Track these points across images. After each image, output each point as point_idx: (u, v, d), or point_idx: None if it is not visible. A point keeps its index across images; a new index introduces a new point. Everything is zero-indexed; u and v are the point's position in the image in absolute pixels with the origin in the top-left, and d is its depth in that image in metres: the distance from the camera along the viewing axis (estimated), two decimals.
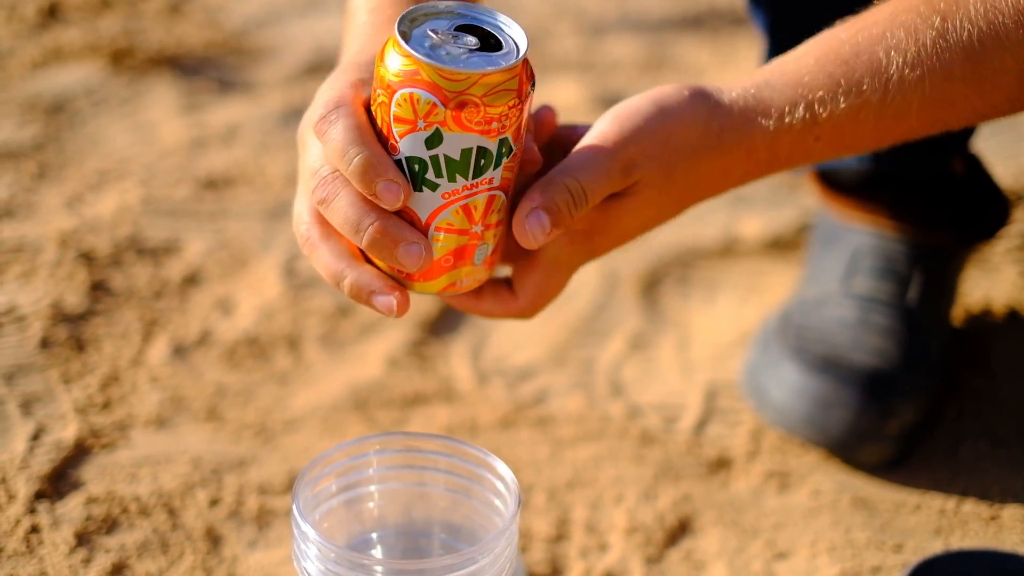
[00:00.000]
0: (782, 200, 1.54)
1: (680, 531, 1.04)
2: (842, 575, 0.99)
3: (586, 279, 1.37)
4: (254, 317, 1.24)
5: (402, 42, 0.73)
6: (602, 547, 1.01)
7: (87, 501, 1.01)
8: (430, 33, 0.74)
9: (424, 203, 0.75)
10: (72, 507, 1.00)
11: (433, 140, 0.74)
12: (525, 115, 0.76)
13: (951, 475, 1.11)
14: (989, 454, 1.13)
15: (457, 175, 0.75)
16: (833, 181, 1.22)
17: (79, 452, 1.06)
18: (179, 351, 1.19)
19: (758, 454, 1.12)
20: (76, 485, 1.03)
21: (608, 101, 1.78)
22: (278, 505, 1.03)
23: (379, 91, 0.74)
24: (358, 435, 1.08)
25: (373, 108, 0.75)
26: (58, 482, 1.03)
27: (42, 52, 1.71)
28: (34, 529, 0.98)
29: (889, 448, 1.11)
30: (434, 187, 0.75)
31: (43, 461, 1.04)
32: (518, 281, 0.85)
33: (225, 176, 1.46)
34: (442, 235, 0.76)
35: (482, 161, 0.75)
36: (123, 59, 1.71)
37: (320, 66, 1.71)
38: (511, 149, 0.76)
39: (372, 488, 0.86)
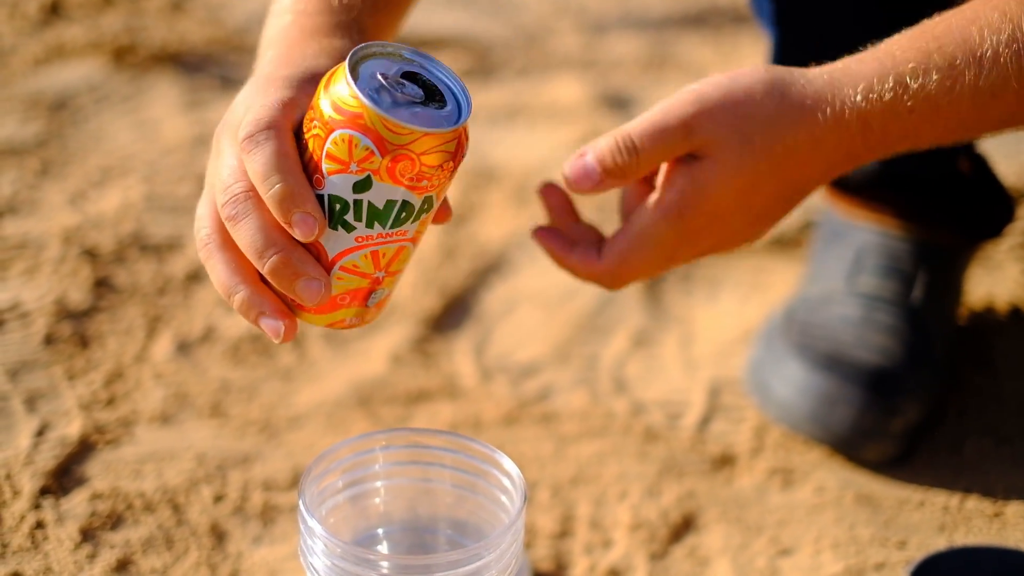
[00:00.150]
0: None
1: (684, 528, 1.04)
2: (846, 572, 1.00)
3: None
4: None
5: (351, 82, 0.71)
6: (606, 543, 1.02)
7: (92, 497, 1.01)
8: (379, 76, 0.73)
9: (335, 241, 0.74)
10: (77, 503, 1.01)
11: (362, 185, 0.72)
12: (454, 175, 0.75)
13: (955, 472, 1.11)
14: (993, 451, 1.13)
15: (376, 223, 0.74)
16: (840, 181, 1.22)
17: (83, 448, 1.06)
18: (183, 347, 1.20)
19: (762, 451, 1.12)
20: (81, 481, 1.03)
21: (610, 99, 1.78)
22: (283, 501, 1.03)
23: (316, 122, 0.73)
24: (362, 432, 1.08)
25: (305, 135, 0.74)
26: (63, 478, 1.03)
27: (44, 49, 1.71)
28: (39, 525, 0.98)
29: (892, 446, 1.11)
30: (350, 229, 0.74)
31: (48, 457, 1.04)
32: (606, 244, 0.86)
33: None
34: (345, 275, 0.75)
35: (403, 214, 0.74)
36: (125, 56, 1.71)
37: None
38: (432, 205, 0.75)
39: (378, 484, 0.86)
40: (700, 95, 0.82)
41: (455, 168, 0.75)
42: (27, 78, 1.65)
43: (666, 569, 0.99)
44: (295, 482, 1.05)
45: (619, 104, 1.78)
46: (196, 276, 1.28)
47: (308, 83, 0.76)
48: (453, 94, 0.75)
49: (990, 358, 1.24)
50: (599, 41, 1.96)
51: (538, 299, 1.33)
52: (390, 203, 0.73)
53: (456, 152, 0.74)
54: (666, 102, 0.83)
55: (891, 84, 0.81)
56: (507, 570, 0.79)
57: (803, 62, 1.18)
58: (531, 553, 0.99)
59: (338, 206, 0.73)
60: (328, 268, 0.75)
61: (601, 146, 0.83)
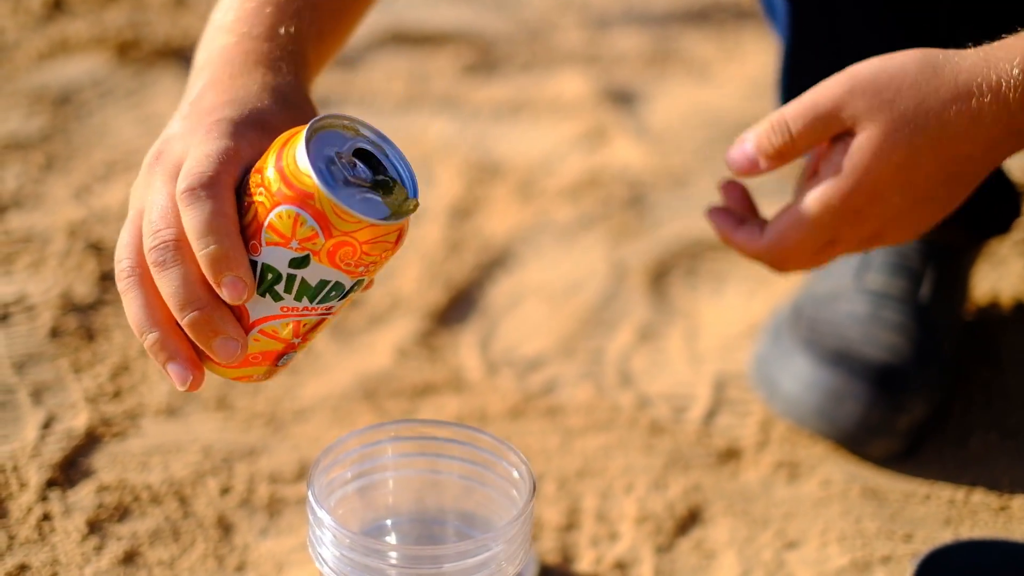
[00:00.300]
0: (790, 193, 1.54)
1: (690, 520, 1.04)
2: (852, 564, 1.00)
3: (594, 269, 1.37)
4: None
5: (307, 160, 0.70)
6: (612, 536, 1.02)
7: (98, 489, 1.01)
8: (333, 153, 0.72)
9: (260, 307, 0.73)
10: (84, 495, 1.01)
11: (299, 263, 0.72)
12: (390, 260, 0.75)
13: (960, 466, 1.11)
14: (998, 445, 1.13)
15: (304, 297, 0.73)
16: None
17: (90, 441, 1.06)
18: None
19: (767, 444, 1.12)
20: (87, 473, 1.03)
21: (613, 94, 1.78)
22: (289, 494, 1.03)
23: (263, 189, 0.71)
24: (368, 425, 1.08)
25: (248, 196, 0.72)
26: (69, 470, 1.03)
27: (48, 44, 1.71)
28: (46, 517, 0.98)
29: (898, 443, 1.11)
30: (277, 299, 0.73)
31: (54, 450, 1.04)
32: (770, 222, 0.88)
33: None
34: (263, 338, 0.74)
35: (333, 293, 0.73)
36: (129, 51, 1.71)
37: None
38: (363, 285, 0.75)
39: (386, 475, 0.86)
40: (852, 74, 0.84)
41: (394, 254, 0.74)
42: (31, 73, 1.65)
43: (672, 562, 0.99)
44: (301, 475, 1.05)
45: (622, 99, 1.78)
46: None
47: (252, 129, 0.75)
48: (402, 181, 0.74)
49: (996, 353, 1.24)
50: (602, 36, 1.96)
51: (543, 293, 1.33)
52: (323, 282, 0.72)
53: (397, 240, 0.73)
54: (820, 84, 0.85)
55: None
56: (515, 561, 0.79)
57: (813, 64, 1.18)
58: (537, 546, 1.00)
59: (270, 275, 0.72)
60: (247, 329, 0.74)
61: (758, 129, 0.86)
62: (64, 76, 1.65)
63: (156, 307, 0.73)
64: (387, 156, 0.75)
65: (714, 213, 0.93)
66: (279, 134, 0.75)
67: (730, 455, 1.11)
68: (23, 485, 1.01)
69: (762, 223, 0.90)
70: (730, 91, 1.85)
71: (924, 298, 1.17)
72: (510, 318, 1.28)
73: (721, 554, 1.00)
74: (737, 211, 0.93)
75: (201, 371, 0.74)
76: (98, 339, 1.17)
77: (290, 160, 0.71)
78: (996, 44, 0.84)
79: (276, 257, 0.72)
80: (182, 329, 0.73)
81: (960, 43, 1.17)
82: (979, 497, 1.07)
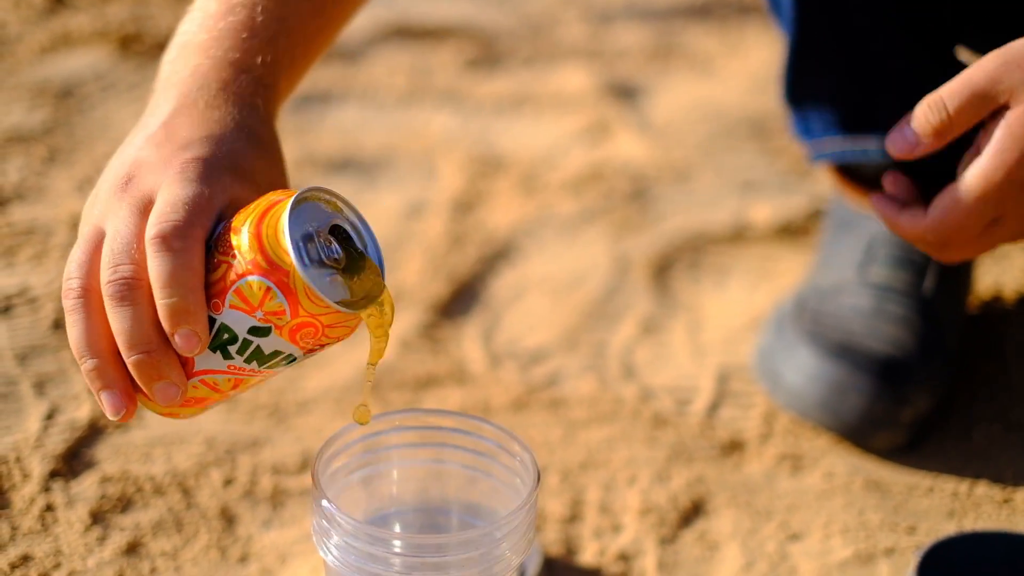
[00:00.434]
0: (792, 187, 1.54)
1: (694, 512, 1.04)
2: (856, 556, 1.00)
3: (597, 262, 1.37)
4: None
5: (288, 239, 0.69)
6: (616, 528, 1.01)
7: (101, 480, 1.01)
8: (313, 233, 0.71)
9: (208, 360, 0.73)
10: (87, 486, 1.00)
11: (259, 332, 0.71)
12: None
13: (964, 459, 1.11)
14: (1002, 438, 1.13)
15: (254, 361, 0.73)
16: (852, 171, 1.22)
17: (93, 432, 1.06)
18: None
19: (771, 437, 1.12)
20: (90, 465, 1.03)
21: (616, 88, 1.78)
22: (292, 485, 1.03)
23: (236, 253, 0.70)
24: (371, 416, 1.08)
25: (220, 253, 0.71)
26: (72, 461, 1.03)
27: (51, 38, 1.71)
28: (49, 508, 0.98)
29: (902, 435, 1.11)
30: (227, 357, 0.72)
31: (57, 441, 1.04)
32: (934, 202, 0.89)
33: None
34: (202, 387, 0.74)
35: (283, 362, 0.73)
36: (131, 44, 1.71)
37: (328, 50, 1.71)
38: (312, 356, 0.75)
39: (390, 466, 0.86)
40: (1005, 50, 0.85)
41: (350, 335, 0.74)
42: (33, 66, 1.65)
43: (676, 553, 0.99)
44: (304, 466, 1.05)
45: (625, 94, 1.78)
46: None
47: (226, 173, 0.74)
48: (378, 263, 0.74)
49: (999, 347, 1.24)
50: (605, 31, 1.96)
51: (546, 286, 1.33)
52: (277, 352, 0.72)
53: (357, 325, 0.73)
54: (975, 62, 0.86)
55: None
56: (520, 550, 0.79)
57: (818, 60, 1.18)
58: (541, 537, 0.99)
59: (226, 335, 0.71)
60: (189, 376, 0.73)
61: (915, 111, 0.87)
62: (66, 69, 1.65)
63: (100, 334, 0.72)
64: (360, 236, 0.74)
65: (877, 200, 0.94)
66: (251, 180, 0.74)
67: (733, 447, 1.11)
68: (26, 476, 1.01)
69: (926, 208, 0.91)
70: (732, 86, 1.85)
71: (928, 291, 1.17)
72: (513, 311, 1.28)
73: (724, 546, 1.00)
74: (901, 198, 0.93)
75: (135, 404, 0.74)
76: None
77: (270, 232, 0.70)
78: None
79: (237, 321, 0.71)
80: (122, 360, 0.72)
81: (965, 41, 1.18)
82: (982, 490, 1.07)
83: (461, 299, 1.28)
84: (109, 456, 1.04)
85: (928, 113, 0.87)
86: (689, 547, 1.00)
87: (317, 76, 1.79)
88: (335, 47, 1.76)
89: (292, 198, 0.70)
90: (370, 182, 1.53)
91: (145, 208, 0.72)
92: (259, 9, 0.83)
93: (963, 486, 1.08)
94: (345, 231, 0.73)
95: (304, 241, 0.71)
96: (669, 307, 1.30)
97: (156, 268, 0.70)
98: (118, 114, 1.59)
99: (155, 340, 0.71)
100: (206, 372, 0.73)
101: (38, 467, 1.01)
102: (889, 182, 0.95)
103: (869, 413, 1.09)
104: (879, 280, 1.17)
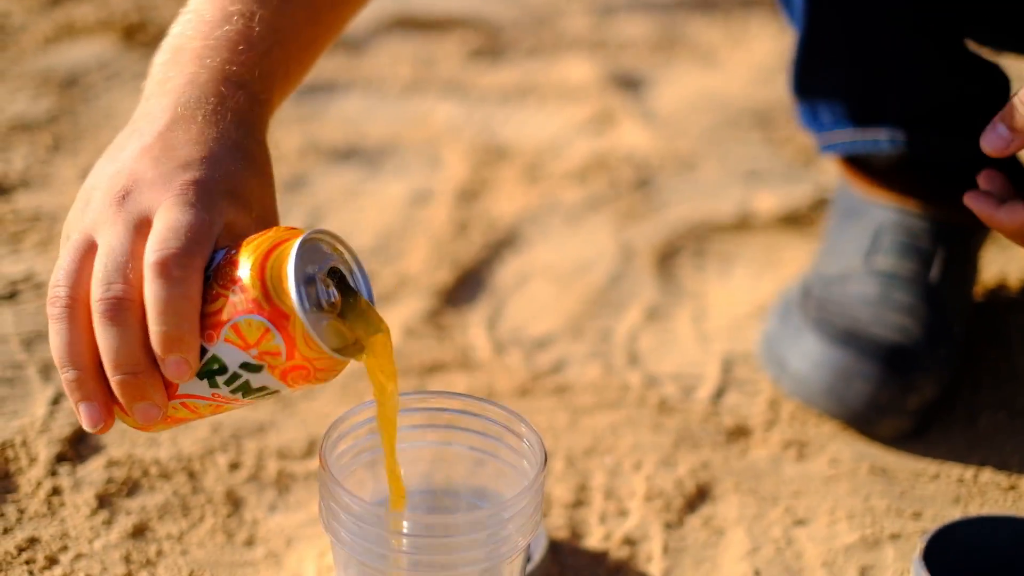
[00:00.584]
0: (797, 175, 1.54)
1: (699, 498, 1.04)
2: (862, 541, 1.00)
3: (602, 251, 1.37)
4: None
5: (293, 285, 0.69)
6: (621, 513, 1.01)
7: (108, 464, 1.01)
8: (314, 275, 0.71)
9: (193, 386, 0.72)
10: (93, 470, 1.01)
11: (251, 368, 0.71)
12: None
13: (969, 446, 1.11)
14: (1007, 425, 1.13)
15: (240, 392, 0.73)
16: (861, 162, 1.22)
17: None
18: None
19: (776, 423, 1.12)
20: (96, 449, 1.03)
21: (619, 79, 1.78)
22: (297, 469, 1.03)
23: (237, 289, 0.70)
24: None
25: (219, 286, 0.71)
26: (78, 445, 1.03)
27: (55, 27, 1.71)
28: (55, 491, 0.98)
29: (907, 422, 1.11)
30: (213, 385, 0.72)
31: (63, 425, 1.04)
32: None
33: None
34: (182, 409, 0.74)
35: (268, 396, 0.73)
36: (135, 34, 1.72)
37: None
38: (293, 392, 0.75)
39: (397, 448, 0.86)
40: None
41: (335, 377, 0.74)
42: (38, 56, 1.65)
43: (682, 538, 0.99)
44: (310, 451, 1.05)
45: (629, 84, 1.78)
46: None
47: (224, 198, 0.74)
48: (370, 304, 0.74)
49: (1004, 334, 1.24)
50: (608, 22, 1.96)
51: (551, 273, 1.33)
52: (264, 388, 0.72)
53: (345, 367, 0.73)
54: None
55: None
56: (526, 532, 0.79)
57: (827, 53, 1.18)
58: (547, 522, 0.99)
59: (216, 366, 0.71)
60: (170, 397, 0.73)
61: (1007, 108, 0.87)
62: (71, 59, 1.65)
63: (83, 346, 0.71)
64: (356, 279, 0.74)
65: (973, 197, 0.94)
66: (246, 204, 0.74)
67: (739, 434, 1.11)
68: (32, 460, 1.01)
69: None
70: (736, 77, 1.85)
71: (934, 279, 1.17)
72: (518, 298, 1.28)
73: (730, 531, 1.00)
74: (996, 194, 0.94)
75: (113, 418, 0.73)
76: None
77: (274, 274, 0.69)
78: None
79: (230, 355, 0.71)
80: (103, 373, 0.72)
81: (974, 33, 1.18)
82: (988, 476, 1.07)
83: (466, 287, 1.28)
84: (115, 440, 1.04)
85: (1017, 109, 0.87)
86: (695, 532, 1.00)
87: (322, 66, 1.79)
88: (340, 37, 1.76)
89: (298, 241, 0.70)
90: (375, 171, 1.53)
91: (140, 226, 0.72)
92: (256, 19, 0.82)
93: (968, 472, 1.08)
94: (340, 272, 0.73)
95: (306, 285, 0.70)
96: (674, 295, 1.30)
97: (154, 294, 0.69)
98: (122, 103, 1.59)
99: (143, 362, 0.71)
100: (189, 396, 0.73)
101: (44, 451, 1.01)
102: (984, 179, 0.95)
103: (875, 400, 1.09)
104: (885, 268, 1.17)
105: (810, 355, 1.12)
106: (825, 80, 1.20)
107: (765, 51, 1.90)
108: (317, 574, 0.93)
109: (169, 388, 0.72)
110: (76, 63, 1.64)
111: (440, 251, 1.34)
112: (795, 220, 1.44)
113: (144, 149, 0.75)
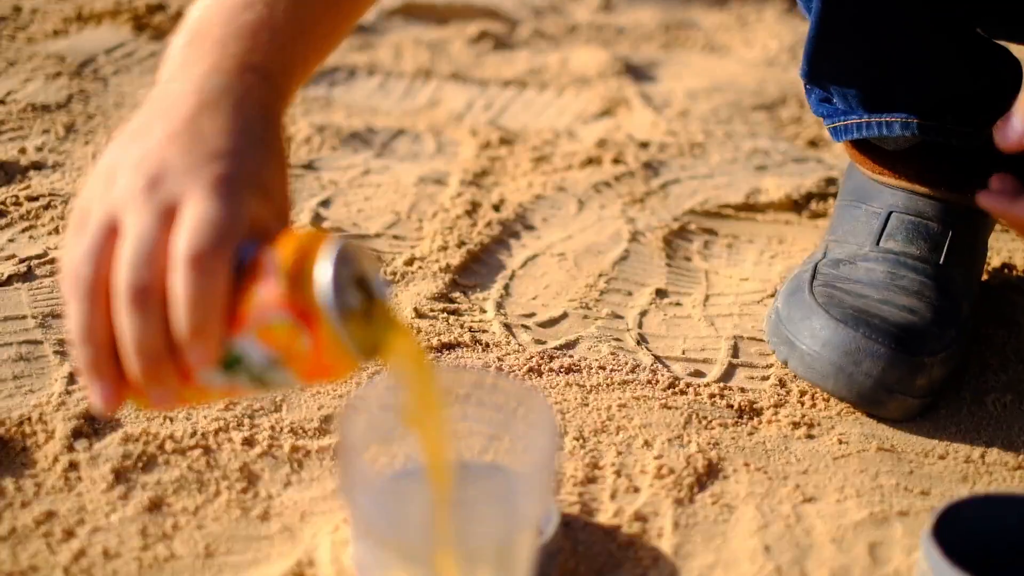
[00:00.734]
0: (805, 160, 1.55)
1: (709, 475, 1.04)
2: (871, 518, 1.00)
3: (611, 234, 1.38)
4: None
5: (330, 292, 0.70)
6: (632, 490, 1.02)
7: (124, 440, 1.02)
8: (345, 284, 0.72)
9: (211, 375, 0.73)
10: (109, 445, 1.01)
11: (273, 365, 0.72)
12: None
13: (977, 426, 1.12)
14: (1014, 407, 1.14)
15: (252, 382, 0.73)
16: (871, 146, 1.23)
17: None
18: None
19: (785, 403, 1.13)
20: (113, 425, 1.04)
21: (629, 65, 1.78)
22: (311, 446, 1.04)
23: (267, 286, 0.70)
24: (387, 381, 1.09)
25: (248, 280, 0.71)
26: (95, 422, 1.04)
27: (70, 12, 1.72)
28: (72, 466, 0.99)
29: (915, 403, 1.12)
30: (230, 376, 0.73)
31: (79, 401, 1.05)
32: None
33: None
34: (195, 393, 0.75)
35: (280, 388, 0.74)
36: (149, 20, 1.72)
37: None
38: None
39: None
40: None
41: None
42: (52, 41, 1.66)
43: (692, 515, 1.00)
44: (323, 428, 1.06)
45: (638, 70, 1.78)
46: None
47: (252, 194, 0.74)
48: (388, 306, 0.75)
49: (1012, 316, 1.25)
50: (617, 10, 1.97)
51: (560, 257, 1.34)
52: (280, 382, 0.73)
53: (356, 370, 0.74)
54: None
55: None
56: (540, 504, 0.80)
57: (841, 39, 1.18)
58: (558, 499, 1.00)
59: (237, 359, 0.72)
60: (185, 379, 0.73)
61: (1018, 103, 0.88)
62: (84, 44, 1.66)
63: (102, 326, 0.72)
64: (376, 285, 0.75)
65: (986, 196, 0.96)
66: (270, 197, 0.75)
67: (748, 413, 1.12)
68: (49, 435, 1.02)
69: None
70: (745, 63, 1.86)
71: (943, 261, 1.18)
72: (527, 280, 1.29)
73: (740, 507, 1.01)
74: (1009, 191, 0.96)
75: (123, 399, 0.74)
76: None
77: (307, 275, 0.70)
78: None
79: (253, 350, 0.71)
80: (117, 354, 0.72)
81: (983, 22, 1.18)
82: (995, 456, 1.08)
83: (476, 269, 1.29)
84: (131, 417, 1.05)
85: None
86: (705, 508, 1.01)
87: (334, 54, 1.79)
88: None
89: (334, 245, 0.71)
90: (385, 155, 1.54)
91: (169, 214, 0.72)
92: (280, 8, 0.83)
93: (976, 452, 1.08)
94: (363, 278, 0.74)
95: (340, 284, 0.71)
96: (683, 277, 1.31)
97: (183, 287, 0.70)
98: (134, 87, 1.60)
99: (162, 349, 0.71)
100: (204, 383, 0.74)
101: (61, 427, 1.02)
102: (996, 182, 0.97)
103: (883, 380, 1.10)
104: (894, 250, 1.18)
105: (819, 335, 1.13)
106: (838, 66, 1.21)
107: (773, 38, 1.91)
108: (331, 548, 0.94)
109: (186, 374, 0.73)
110: (90, 48, 1.64)
111: (450, 234, 1.35)
112: (804, 203, 1.44)
113: (172, 135, 0.75)
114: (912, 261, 1.17)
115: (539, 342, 1.20)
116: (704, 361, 1.19)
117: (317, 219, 1.34)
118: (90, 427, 1.03)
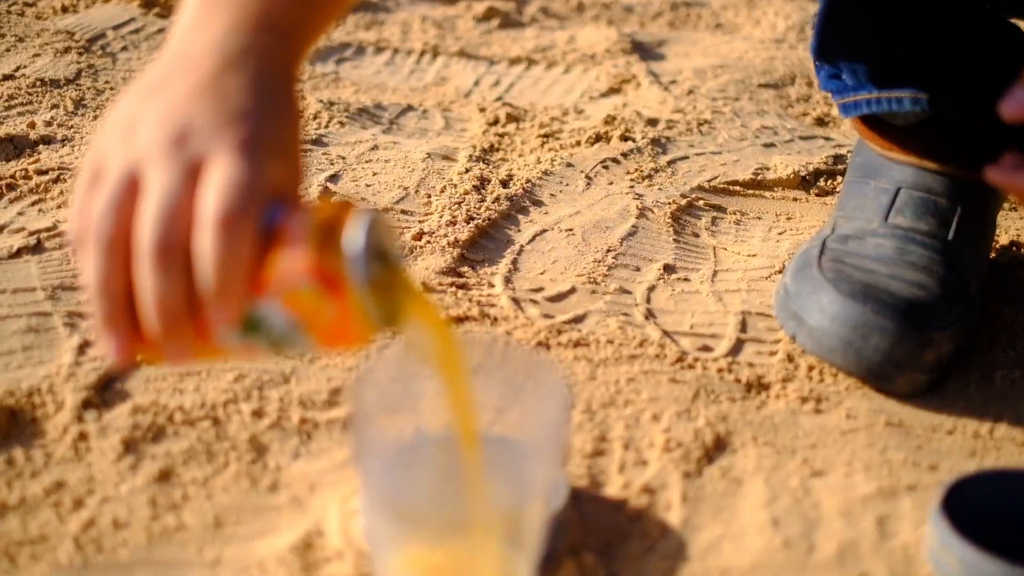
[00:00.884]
0: (813, 135, 1.55)
1: (717, 449, 1.05)
2: (879, 492, 1.00)
3: (619, 210, 1.38)
4: None
5: (360, 266, 0.70)
6: (641, 463, 1.02)
7: (133, 411, 1.02)
8: (368, 254, 0.71)
9: (229, 336, 0.73)
10: (118, 416, 1.02)
11: (295, 330, 0.72)
12: None
13: (985, 401, 1.12)
14: (1022, 383, 1.14)
15: (272, 346, 0.73)
16: (880, 121, 1.23)
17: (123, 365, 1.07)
18: None
19: (793, 378, 1.13)
20: (122, 396, 1.04)
21: (636, 45, 1.78)
22: (320, 418, 1.04)
23: (294, 251, 0.71)
24: (397, 352, 1.09)
25: (273, 247, 0.71)
26: (104, 393, 1.04)
27: None
28: (82, 436, 0.99)
29: (924, 378, 1.12)
30: (249, 337, 0.73)
31: (89, 372, 1.05)
32: None
33: None
34: (209, 350, 0.74)
35: (295, 351, 0.74)
36: None
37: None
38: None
39: (422, 392, 0.87)
40: None
41: None
42: (61, 17, 1.66)
43: (700, 488, 1.00)
44: (332, 401, 1.06)
45: (645, 50, 1.78)
46: None
47: (275, 159, 0.74)
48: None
49: (1020, 293, 1.25)
50: None
51: (568, 232, 1.34)
52: (298, 346, 0.73)
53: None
54: None
55: None
56: (551, 469, 0.80)
57: (851, 18, 1.18)
58: (567, 471, 1.00)
59: (258, 321, 0.72)
60: (201, 337, 0.73)
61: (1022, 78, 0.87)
62: (94, 20, 1.66)
63: (120, 280, 0.72)
64: (394, 257, 0.75)
65: (995, 170, 0.95)
66: (290, 160, 0.75)
67: (756, 387, 1.12)
68: (59, 406, 1.02)
69: None
70: (752, 42, 1.86)
71: (952, 237, 1.18)
72: (536, 255, 1.29)
73: (748, 481, 1.01)
74: (1021, 166, 0.95)
75: (136, 352, 0.74)
76: None
77: (337, 248, 0.70)
78: None
79: (275, 315, 0.71)
80: (133, 308, 0.72)
81: (994, 3, 1.18)
82: (1003, 431, 1.08)
83: (484, 244, 1.29)
84: (140, 388, 1.05)
85: None
86: (713, 482, 1.01)
87: (342, 27, 1.79)
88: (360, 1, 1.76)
89: (363, 216, 0.71)
90: (393, 131, 1.54)
91: (194, 172, 0.72)
92: None
93: (984, 427, 1.08)
94: (382, 248, 0.74)
95: (366, 265, 0.71)
96: (692, 252, 1.31)
97: (209, 247, 0.70)
98: (143, 62, 1.60)
99: (184, 308, 0.71)
100: (222, 342, 0.74)
101: (71, 397, 1.03)
102: (1008, 159, 0.96)
103: (891, 354, 1.10)
104: (904, 225, 1.18)
105: (827, 310, 1.13)
106: (848, 42, 1.21)
107: (781, 16, 1.91)
108: (340, 519, 0.94)
109: (203, 332, 0.73)
110: (99, 25, 1.64)
111: (458, 209, 1.35)
112: (812, 178, 1.44)
113: (196, 92, 0.74)
114: (921, 237, 1.17)
115: (547, 316, 1.20)
116: (712, 336, 1.19)
117: (326, 193, 1.34)
118: (99, 398, 1.03)
